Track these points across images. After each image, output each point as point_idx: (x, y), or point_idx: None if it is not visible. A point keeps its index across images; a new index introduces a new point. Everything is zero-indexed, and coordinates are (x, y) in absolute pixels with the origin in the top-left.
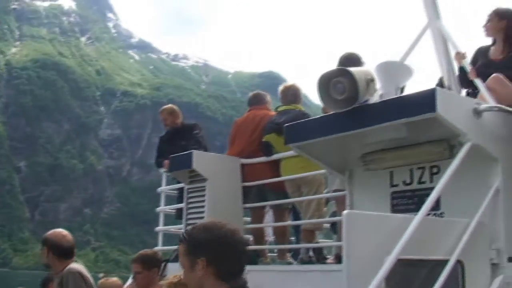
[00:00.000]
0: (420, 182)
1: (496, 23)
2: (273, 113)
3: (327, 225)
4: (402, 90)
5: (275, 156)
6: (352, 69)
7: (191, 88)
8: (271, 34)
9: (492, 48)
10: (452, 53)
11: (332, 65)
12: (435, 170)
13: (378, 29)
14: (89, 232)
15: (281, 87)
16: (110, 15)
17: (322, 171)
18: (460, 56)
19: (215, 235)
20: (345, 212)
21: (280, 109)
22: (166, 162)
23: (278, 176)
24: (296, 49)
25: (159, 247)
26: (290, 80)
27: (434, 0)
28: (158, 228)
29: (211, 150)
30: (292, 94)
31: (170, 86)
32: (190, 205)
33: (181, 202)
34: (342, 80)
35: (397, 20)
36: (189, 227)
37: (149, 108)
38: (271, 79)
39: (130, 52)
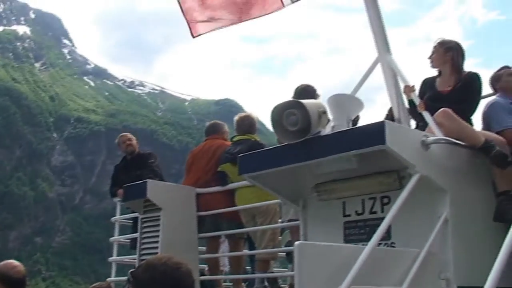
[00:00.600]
0: (371, 212)
1: (442, 55)
2: (229, 143)
3: (283, 254)
4: (355, 121)
5: (230, 186)
6: (305, 101)
7: (147, 115)
8: (229, 61)
9: (438, 79)
10: (402, 86)
11: (288, 94)
12: (386, 200)
13: (334, 61)
14: (39, 262)
15: (236, 118)
16: (65, 41)
17: (277, 200)
18: (409, 89)
19: (157, 273)
20: (296, 243)
21: (235, 139)
22: (121, 191)
23: (234, 205)
24: (253, 77)
25: (113, 278)
26: (246, 108)
27: (385, 34)
28: (111, 259)
29: (167, 177)
30: (247, 124)
31: (126, 112)
32: (144, 235)
33: (135, 232)
34: (295, 111)
35: (351, 54)
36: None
37: (103, 135)
38: (228, 107)
39: (85, 78)
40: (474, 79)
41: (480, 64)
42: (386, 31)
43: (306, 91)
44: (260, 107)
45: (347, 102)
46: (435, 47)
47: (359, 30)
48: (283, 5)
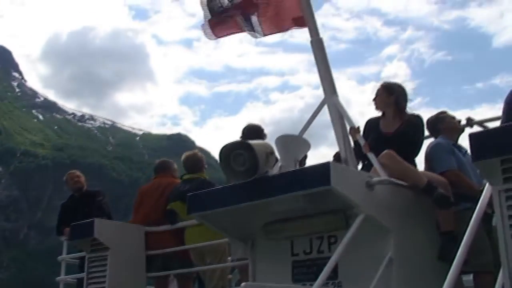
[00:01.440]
0: (319, 252)
1: (386, 97)
2: (178, 181)
3: None
4: (303, 161)
5: (179, 224)
6: (252, 142)
7: (97, 149)
8: (181, 96)
9: (382, 121)
10: (348, 128)
11: (240, 129)
12: (332, 240)
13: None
14: None
15: (184, 156)
16: (15, 74)
17: (226, 239)
18: (354, 130)
19: None
20: (242, 284)
21: (185, 177)
22: (67, 230)
23: (183, 244)
24: (205, 113)
25: None
26: (198, 143)
27: (331, 76)
28: None
29: (116, 212)
30: (195, 163)
31: (74, 146)
32: (91, 275)
33: (82, 271)
34: (242, 152)
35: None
36: None
37: (50, 169)
38: (179, 142)
39: (34, 111)
40: (416, 122)
41: (428, 103)
42: (332, 73)
43: (254, 131)
44: (212, 142)
45: (294, 143)
46: (378, 89)
47: (310, 67)
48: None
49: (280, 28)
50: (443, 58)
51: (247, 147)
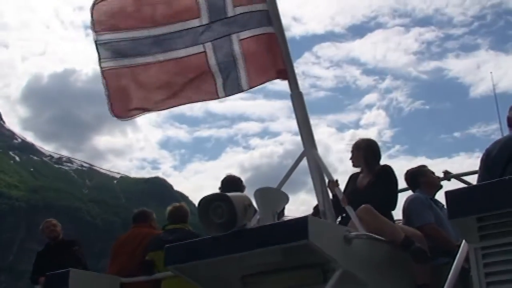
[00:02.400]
0: None
1: (359, 153)
2: (156, 231)
3: None
4: (282, 213)
5: (156, 276)
6: (231, 195)
7: (72, 192)
8: (161, 141)
9: (360, 176)
10: (326, 181)
11: (220, 174)
12: None
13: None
14: None
15: (170, 208)
16: None
17: None
18: (333, 184)
19: None
20: None
21: (169, 227)
22: (42, 279)
23: None
24: (184, 157)
25: None
26: (176, 187)
27: (310, 129)
28: None
29: (90, 256)
30: (181, 214)
31: (49, 189)
32: None
33: None
34: (221, 204)
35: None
36: None
37: (23, 211)
38: (157, 186)
39: (11, 153)
40: (385, 173)
41: (406, 150)
42: (311, 126)
43: (233, 183)
44: (191, 187)
45: (272, 196)
46: (352, 147)
47: (290, 114)
48: (218, 96)
49: (264, 79)
50: (421, 107)
51: (225, 199)
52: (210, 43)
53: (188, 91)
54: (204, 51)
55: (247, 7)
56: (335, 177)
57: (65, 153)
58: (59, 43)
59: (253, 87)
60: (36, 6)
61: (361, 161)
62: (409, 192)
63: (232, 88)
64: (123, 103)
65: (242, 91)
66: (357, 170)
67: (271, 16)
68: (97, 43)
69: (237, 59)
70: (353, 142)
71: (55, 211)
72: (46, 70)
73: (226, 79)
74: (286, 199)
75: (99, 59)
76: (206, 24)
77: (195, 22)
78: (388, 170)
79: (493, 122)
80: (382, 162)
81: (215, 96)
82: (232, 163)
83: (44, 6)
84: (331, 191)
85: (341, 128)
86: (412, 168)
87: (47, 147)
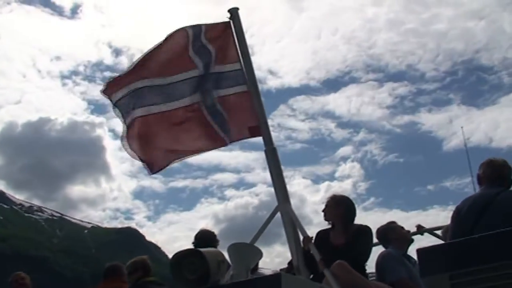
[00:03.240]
0: None
1: (334, 209)
2: (127, 285)
3: None
4: (256, 268)
5: None
6: (204, 250)
7: (42, 241)
8: (135, 191)
9: (332, 232)
10: (300, 236)
11: (194, 224)
12: None
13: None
14: None
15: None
16: None
17: None
18: (307, 240)
19: None
20: None
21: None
22: None
23: None
24: (158, 207)
25: None
26: (148, 238)
27: (284, 184)
28: None
29: None
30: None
31: (19, 238)
32: None
33: None
34: (194, 260)
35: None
36: None
37: None
38: (128, 236)
39: None
40: (365, 233)
41: (381, 203)
42: (285, 181)
43: (207, 237)
44: (164, 238)
45: (246, 251)
46: (328, 201)
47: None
48: (227, 143)
49: (235, 137)
50: (395, 160)
51: (199, 255)
52: (202, 94)
53: (197, 141)
54: (201, 101)
55: (223, 66)
56: (309, 230)
57: (37, 202)
58: (35, 92)
59: (232, 142)
60: (13, 55)
61: (338, 218)
62: (381, 248)
63: (230, 136)
64: (152, 157)
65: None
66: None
67: (246, 74)
68: (115, 106)
69: (221, 113)
70: (331, 195)
71: (23, 261)
72: (21, 119)
73: (221, 128)
74: (260, 255)
75: (123, 122)
76: (201, 75)
77: (193, 73)
78: (367, 232)
79: (466, 175)
80: (357, 214)
81: (224, 143)
82: (207, 213)
83: (21, 55)
84: (305, 247)
85: (317, 180)
86: (382, 226)
87: (19, 196)
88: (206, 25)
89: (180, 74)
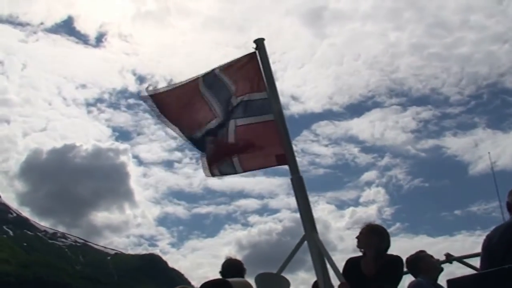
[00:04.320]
0: None
1: (368, 237)
2: None
3: None
4: None
5: None
6: (232, 280)
7: (64, 268)
8: (158, 218)
9: (363, 261)
10: (327, 265)
11: (217, 251)
12: None
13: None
14: None
15: None
16: None
17: None
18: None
19: None
20: None
21: None
22: None
23: None
24: (182, 234)
25: None
26: (170, 264)
27: (311, 213)
28: None
29: None
30: None
31: (41, 264)
32: None
33: None
34: None
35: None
36: None
37: (13, 286)
38: (152, 262)
39: (5, 227)
40: (396, 264)
41: (407, 228)
42: (312, 210)
43: (234, 267)
44: (188, 264)
45: (274, 281)
46: (363, 229)
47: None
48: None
49: (262, 164)
50: (421, 185)
51: (227, 285)
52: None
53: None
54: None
55: (247, 96)
56: (334, 256)
57: (61, 228)
58: (60, 119)
59: (247, 171)
60: (39, 83)
61: (371, 247)
62: (411, 277)
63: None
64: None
65: (235, 173)
66: (358, 250)
67: (271, 102)
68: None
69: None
70: (367, 223)
71: (45, 287)
72: (46, 146)
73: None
74: (287, 284)
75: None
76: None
77: (214, 123)
78: (399, 263)
79: (493, 200)
80: None
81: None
82: (230, 240)
83: (47, 84)
84: None
85: (341, 205)
86: (412, 255)
87: (44, 223)
88: (235, 61)
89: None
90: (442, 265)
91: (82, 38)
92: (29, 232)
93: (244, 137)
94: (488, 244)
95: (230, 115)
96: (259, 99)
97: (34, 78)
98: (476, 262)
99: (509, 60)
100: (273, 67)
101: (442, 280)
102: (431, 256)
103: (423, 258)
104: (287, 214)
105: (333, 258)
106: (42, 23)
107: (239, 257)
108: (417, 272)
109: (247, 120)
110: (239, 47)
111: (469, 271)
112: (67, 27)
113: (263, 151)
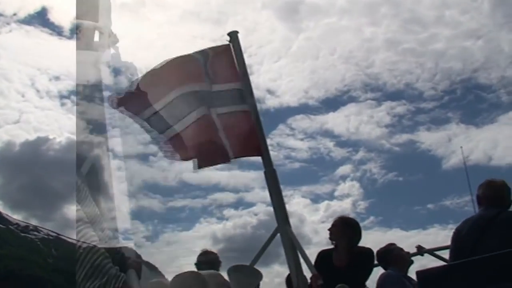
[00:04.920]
0: None
1: (341, 230)
2: None
3: None
4: None
5: None
6: (204, 273)
7: (36, 261)
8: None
9: (334, 254)
10: (300, 258)
11: (193, 243)
12: None
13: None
14: None
15: None
16: None
17: None
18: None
19: None
20: None
21: None
22: None
23: None
24: (158, 226)
25: None
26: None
27: (284, 206)
28: None
29: None
30: None
31: (13, 257)
32: None
33: None
34: (194, 283)
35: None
36: None
37: None
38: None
39: None
40: (368, 257)
41: (380, 222)
42: (285, 203)
43: (209, 259)
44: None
45: (246, 273)
46: (336, 221)
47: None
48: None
49: (242, 153)
50: (395, 179)
51: (198, 278)
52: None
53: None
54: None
55: (222, 86)
56: (308, 250)
57: (34, 222)
58: (33, 111)
59: (235, 158)
60: (12, 75)
61: (343, 239)
62: (381, 269)
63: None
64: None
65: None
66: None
67: (245, 95)
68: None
69: (219, 130)
70: (340, 216)
71: (17, 280)
72: (19, 138)
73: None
74: (260, 276)
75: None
76: (207, 89)
77: (201, 86)
78: (370, 255)
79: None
80: None
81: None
82: (206, 233)
83: (20, 75)
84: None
85: (316, 199)
86: (382, 247)
87: (16, 216)
88: (210, 48)
89: (193, 84)
90: (414, 258)
91: (56, 30)
92: (1, 225)
93: (226, 125)
94: (457, 237)
95: (209, 101)
96: (232, 89)
97: (7, 70)
98: (447, 254)
99: (483, 56)
100: (249, 60)
101: (412, 272)
102: (401, 249)
103: (393, 251)
104: (262, 208)
105: (308, 251)
106: (15, 14)
107: (214, 250)
108: (388, 264)
109: (220, 110)
110: (215, 40)
111: (441, 264)
112: (41, 18)
113: (238, 141)
